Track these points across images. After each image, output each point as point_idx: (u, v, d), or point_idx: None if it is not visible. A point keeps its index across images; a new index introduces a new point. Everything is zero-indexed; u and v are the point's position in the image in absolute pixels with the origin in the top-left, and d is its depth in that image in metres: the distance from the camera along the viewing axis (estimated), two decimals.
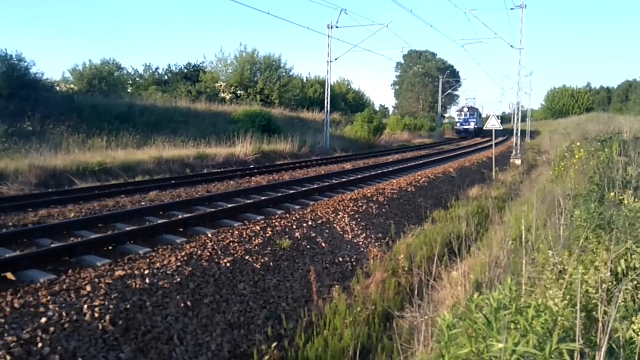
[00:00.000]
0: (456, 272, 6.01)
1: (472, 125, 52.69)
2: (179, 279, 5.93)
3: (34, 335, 4.37)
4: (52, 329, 4.50)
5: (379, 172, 17.01)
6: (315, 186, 13.09)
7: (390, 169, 18.15)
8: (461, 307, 3.42)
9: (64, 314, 4.73)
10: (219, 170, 17.28)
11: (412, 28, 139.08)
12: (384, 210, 11.17)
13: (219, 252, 6.97)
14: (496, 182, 16.94)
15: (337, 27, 26.98)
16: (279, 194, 11.60)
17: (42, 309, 4.75)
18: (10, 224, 8.02)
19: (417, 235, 9.40)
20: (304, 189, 12.49)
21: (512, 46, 28.63)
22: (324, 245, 8.45)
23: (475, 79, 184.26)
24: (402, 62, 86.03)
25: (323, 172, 16.28)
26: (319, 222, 9.35)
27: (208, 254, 6.81)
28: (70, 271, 5.74)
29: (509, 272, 4.58)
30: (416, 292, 4.91)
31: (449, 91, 70.31)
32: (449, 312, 2.88)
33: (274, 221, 8.80)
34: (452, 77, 75.37)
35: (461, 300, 4.78)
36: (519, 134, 28.00)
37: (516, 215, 8.04)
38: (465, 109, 54.74)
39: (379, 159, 23.37)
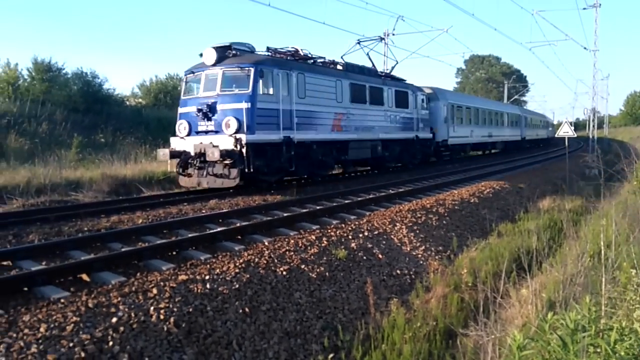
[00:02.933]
0: (525, 289, 5.88)
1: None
2: (237, 285, 6.22)
3: (105, 333, 4.76)
4: (121, 328, 4.88)
5: (439, 182, 16.82)
6: (371, 196, 13.17)
7: (450, 179, 17.89)
8: (532, 327, 3.35)
9: (133, 314, 5.11)
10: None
11: (473, 32, 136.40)
12: (444, 222, 11.06)
13: (275, 260, 7.22)
14: (570, 194, 16.25)
15: (393, 34, 27.02)
16: (334, 204, 11.78)
17: (113, 309, 5.15)
18: (85, 228, 8.71)
19: (482, 249, 9.25)
20: (359, 198, 12.61)
21: (585, 48, 27.50)
22: (380, 256, 8.52)
23: (545, 83, 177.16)
24: (463, 67, 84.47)
25: (379, 182, 16.31)
26: (375, 232, 9.42)
27: (265, 262, 7.08)
28: (138, 274, 6.18)
29: (586, 291, 4.44)
30: (481, 309, 4.87)
31: (515, 96, 68.09)
32: (519, 332, 2.83)
33: (329, 231, 8.98)
34: (519, 81, 72.96)
35: (532, 320, 4.68)
36: (595, 141, 26.70)
37: (594, 230, 7.74)
38: None
39: (437, 167, 23.07)
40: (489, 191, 14.85)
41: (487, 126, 31.87)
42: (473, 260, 8.51)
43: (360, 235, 9.05)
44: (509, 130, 36.77)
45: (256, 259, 7.07)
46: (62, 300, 5.32)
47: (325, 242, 8.25)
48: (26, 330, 4.68)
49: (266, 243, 7.93)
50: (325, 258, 7.66)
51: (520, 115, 41.50)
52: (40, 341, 4.52)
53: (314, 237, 8.43)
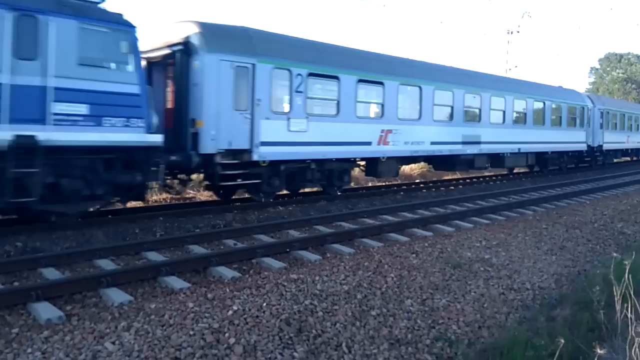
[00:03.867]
0: None
1: None
2: (346, 288, 6.31)
3: (222, 325, 5.10)
4: (237, 321, 5.19)
5: (567, 190, 15.61)
6: (489, 204, 12.60)
7: (581, 188, 16.53)
8: None
9: (247, 309, 5.41)
10: (384, 184, 17.75)
11: (610, 28, 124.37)
12: (573, 234, 10.24)
13: (386, 266, 7.22)
14: None
15: (517, 32, 25.63)
16: (448, 211, 11.47)
17: (229, 302, 5.51)
18: (202, 224, 9.43)
19: (617, 265, 8.41)
20: (476, 206, 12.13)
21: None
22: (499, 268, 8.11)
23: None
24: (598, 66, 77.49)
25: (499, 190, 15.55)
26: (494, 242, 9.01)
27: (374, 266, 7.11)
28: (251, 271, 6.54)
29: None
30: (618, 331, 4.45)
31: None
32: None
33: (442, 238, 8.76)
34: None
35: None
36: None
37: None
38: None
39: (565, 176, 21.43)
40: (626, 202, 13.46)
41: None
42: (606, 277, 7.76)
43: (477, 244, 8.71)
44: None
45: (366, 263, 7.12)
46: (184, 291, 5.81)
47: (438, 250, 8.06)
48: (152, 316, 5.18)
49: (376, 248, 7.95)
50: (438, 266, 7.49)
51: None
52: (164, 327, 4.98)
53: (426, 244, 8.28)
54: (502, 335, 6.13)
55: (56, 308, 5.16)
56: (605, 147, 26.49)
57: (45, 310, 5.05)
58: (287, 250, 7.49)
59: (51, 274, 6.38)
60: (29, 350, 4.41)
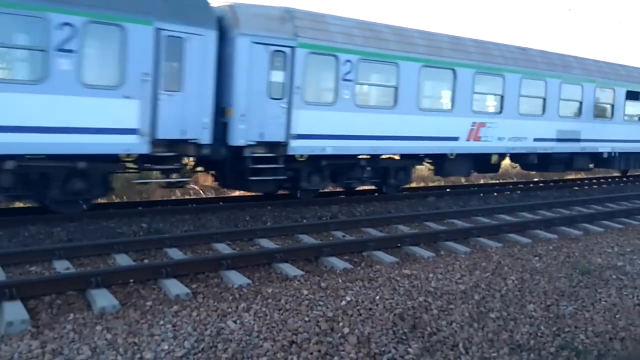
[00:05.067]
0: None
1: None
2: (462, 288, 6.27)
3: (336, 314, 5.32)
4: (350, 312, 5.39)
5: None
6: (621, 207, 11.72)
7: None
8: None
9: (359, 300, 5.60)
10: (497, 181, 17.14)
11: None
12: None
13: (505, 267, 7.05)
14: None
15: None
16: (574, 213, 10.86)
17: (341, 293, 5.73)
18: (308, 215, 9.82)
19: None
20: (605, 209, 11.35)
21: None
22: (634, 277, 7.56)
23: None
24: None
25: (632, 192, 14.38)
26: (628, 249, 8.41)
27: (493, 267, 6.97)
28: (363, 263, 6.74)
29: None
30: None
31: None
32: None
33: (568, 242, 8.35)
34: None
35: None
36: None
37: None
38: None
39: None
40: None
41: None
42: None
43: (609, 250, 8.18)
44: None
45: (483, 263, 7.01)
46: (298, 278, 6.13)
47: (564, 254, 7.70)
48: (270, 300, 5.54)
49: (494, 248, 7.78)
50: (564, 271, 7.16)
51: None
52: (281, 311, 5.31)
53: (550, 247, 7.95)
54: (638, 350, 5.76)
55: (183, 285, 5.71)
56: None
57: (174, 287, 5.62)
58: (399, 245, 7.59)
59: (175, 253, 7.04)
60: (161, 322, 4.94)
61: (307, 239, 7.97)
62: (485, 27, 50.98)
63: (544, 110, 14.24)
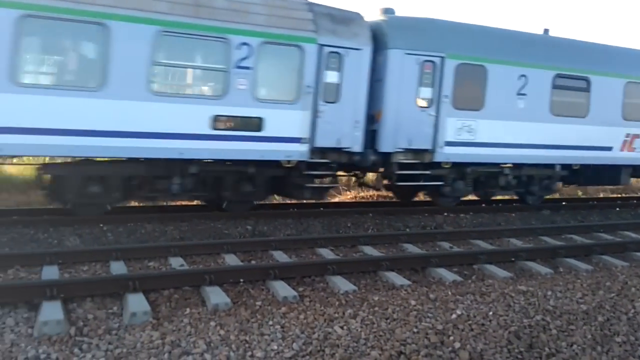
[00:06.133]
0: None
1: None
2: (584, 308, 5.92)
3: (446, 327, 5.25)
4: (461, 326, 5.29)
5: None
6: None
7: None
8: None
9: (471, 315, 5.48)
10: (619, 195, 15.99)
11: None
12: None
13: (633, 289, 6.57)
14: None
15: None
16: None
17: (451, 306, 5.65)
18: (411, 224, 9.77)
19: None
20: None
21: None
22: None
23: None
24: None
25: None
26: None
27: (619, 288, 6.53)
28: (473, 276, 6.59)
29: None
30: None
31: None
32: None
33: None
34: None
35: None
36: None
37: None
38: None
39: None
40: None
41: None
42: None
43: None
44: None
45: (607, 283, 6.58)
46: (405, 288, 6.13)
47: None
48: (376, 308, 5.59)
49: (619, 267, 7.28)
50: None
51: None
52: (388, 320, 5.34)
53: None
54: None
55: (290, 287, 5.93)
56: None
57: (281, 289, 5.85)
58: (512, 259, 7.33)
59: (280, 256, 7.32)
60: (270, 322, 5.16)
61: (411, 248, 7.93)
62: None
63: None
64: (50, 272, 6.10)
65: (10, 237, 7.56)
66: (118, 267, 6.46)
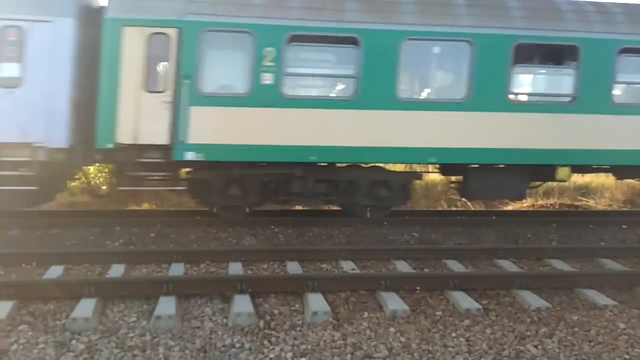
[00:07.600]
0: None
1: None
2: None
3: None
4: None
5: None
6: None
7: None
8: None
9: None
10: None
11: None
12: None
13: None
14: None
15: None
16: None
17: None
18: (606, 237, 8.87)
19: None
20: None
21: None
22: None
23: None
24: None
25: None
26: None
27: None
28: None
29: None
30: None
31: None
32: None
33: None
34: None
35: None
36: None
37: None
38: None
39: None
40: None
41: None
42: None
43: None
44: None
45: None
46: (610, 308, 5.53)
47: None
48: (576, 328, 5.11)
49: None
50: None
51: None
52: (591, 343, 4.84)
53: None
54: None
55: (472, 299, 5.66)
56: None
57: (463, 300, 5.60)
58: None
59: (454, 265, 7.07)
60: (453, 334, 4.97)
61: (610, 264, 7.16)
62: None
63: None
64: (236, 268, 6.61)
65: (197, 236, 8.35)
66: (294, 267, 6.76)
